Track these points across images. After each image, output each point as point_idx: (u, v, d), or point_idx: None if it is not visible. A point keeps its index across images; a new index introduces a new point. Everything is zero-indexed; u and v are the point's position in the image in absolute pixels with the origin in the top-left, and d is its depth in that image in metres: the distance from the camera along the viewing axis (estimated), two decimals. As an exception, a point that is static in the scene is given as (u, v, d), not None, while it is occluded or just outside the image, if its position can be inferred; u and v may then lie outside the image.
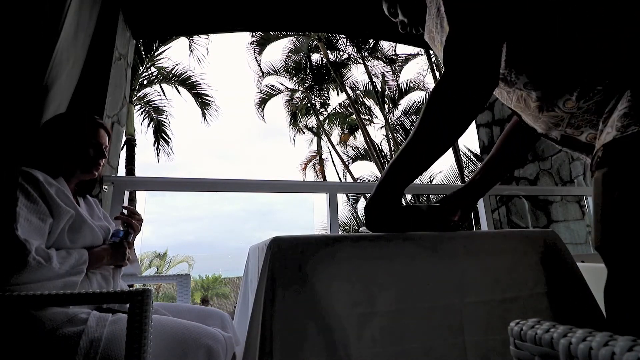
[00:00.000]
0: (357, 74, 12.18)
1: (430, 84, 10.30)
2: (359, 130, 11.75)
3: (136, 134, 8.50)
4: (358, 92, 11.58)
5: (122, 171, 7.59)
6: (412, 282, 0.88)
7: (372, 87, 10.99)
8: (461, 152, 9.14)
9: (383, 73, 11.13)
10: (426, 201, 9.67)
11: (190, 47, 8.48)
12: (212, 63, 9.60)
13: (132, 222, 1.16)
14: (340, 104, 12.15)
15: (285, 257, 0.82)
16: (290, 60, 11.18)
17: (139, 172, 9.07)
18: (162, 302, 1.28)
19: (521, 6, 0.78)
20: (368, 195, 1.02)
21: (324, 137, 12.83)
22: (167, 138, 9.07)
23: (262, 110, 11.90)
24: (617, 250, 0.63)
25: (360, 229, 1.01)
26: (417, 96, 10.92)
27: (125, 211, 1.20)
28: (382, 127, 11.45)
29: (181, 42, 9.04)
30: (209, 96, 8.89)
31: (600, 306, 1.00)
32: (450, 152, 9.26)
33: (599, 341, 0.29)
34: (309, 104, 12.10)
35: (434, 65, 9.59)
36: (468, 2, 0.79)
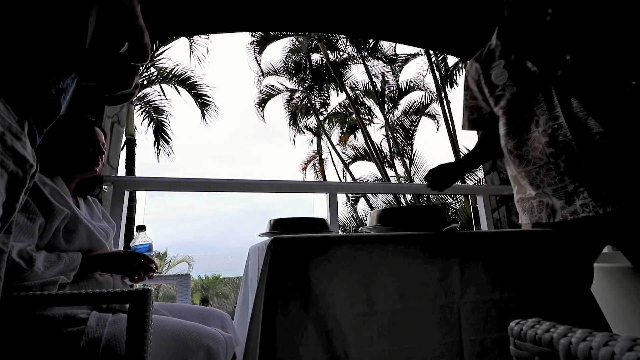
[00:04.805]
0: (357, 74, 12.18)
1: (430, 84, 10.29)
2: (359, 130, 11.73)
3: (136, 134, 8.49)
4: (358, 92, 11.57)
5: (122, 171, 7.59)
6: (411, 282, 0.89)
7: (372, 87, 10.98)
8: (461, 153, 9.15)
9: (383, 73, 11.12)
10: (426, 201, 9.65)
11: (190, 47, 8.47)
12: (212, 63, 9.59)
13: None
14: (340, 104, 12.14)
15: (285, 257, 0.82)
16: (290, 60, 11.17)
17: (139, 172, 9.06)
18: (162, 302, 1.28)
19: None
20: (368, 195, 1.02)
21: (324, 137, 12.82)
22: (167, 138, 9.06)
23: (262, 110, 11.89)
24: None
25: (360, 228, 1.01)
26: (416, 96, 10.89)
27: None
28: (382, 127, 11.44)
29: (181, 42, 9.03)
30: (208, 96, 8.88)
31: (600, 306, 1.00)
32: (450, 152, 9.27)
33: (599, 341, 0.29)
34: (308, 104, 12.09)
35: (434, 65, 9.58)
36: None
